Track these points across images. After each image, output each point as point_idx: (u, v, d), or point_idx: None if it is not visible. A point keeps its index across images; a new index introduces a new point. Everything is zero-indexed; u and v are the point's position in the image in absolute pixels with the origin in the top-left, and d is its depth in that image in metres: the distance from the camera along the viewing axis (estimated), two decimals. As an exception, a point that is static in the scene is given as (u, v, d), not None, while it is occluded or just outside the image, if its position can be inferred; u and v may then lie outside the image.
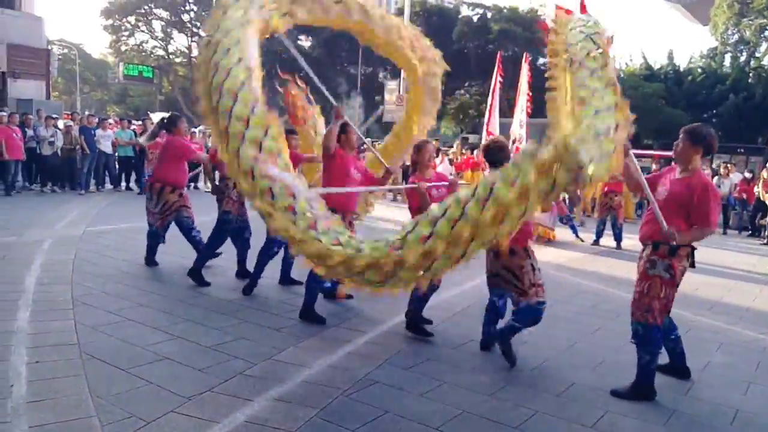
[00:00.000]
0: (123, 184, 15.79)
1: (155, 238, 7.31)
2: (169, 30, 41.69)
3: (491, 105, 13.12)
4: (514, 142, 14.01)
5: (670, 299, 4.30)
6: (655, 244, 4.27)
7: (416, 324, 5.44)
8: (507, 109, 18.48)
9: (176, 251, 7.61)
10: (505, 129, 13.49)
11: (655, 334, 4.27)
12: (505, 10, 35.95)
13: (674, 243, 4.13)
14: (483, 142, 14.27)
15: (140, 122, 17.60)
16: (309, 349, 4.91)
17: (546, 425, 3.86)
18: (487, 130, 13.85)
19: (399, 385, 4.29)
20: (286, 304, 6.06)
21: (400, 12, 32.50)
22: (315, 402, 3.91)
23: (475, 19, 36.73)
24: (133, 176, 16.08)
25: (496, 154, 4.92)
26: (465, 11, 38.46)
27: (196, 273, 6.59)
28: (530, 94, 12.38)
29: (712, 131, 4.34)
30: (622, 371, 4.77)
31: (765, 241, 13.45)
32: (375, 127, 38.04)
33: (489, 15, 36.39)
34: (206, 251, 6.79)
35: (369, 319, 5.81)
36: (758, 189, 14.47)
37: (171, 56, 42.99)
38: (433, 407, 3.98)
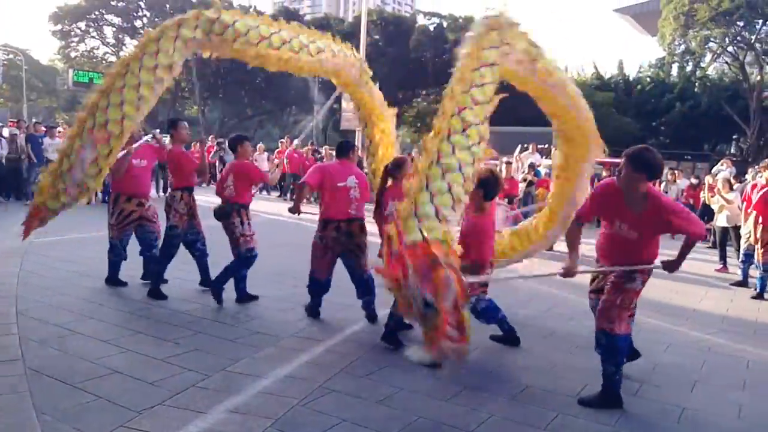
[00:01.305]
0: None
1: (117, 251, 6.82)
2: (121, 36, 40.85)
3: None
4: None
5: (635, 306, 4.42)
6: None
7: (393, 335, 5.38)
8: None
9: (126, 262, 7.41)
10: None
11: (619, 343, 4.27)
12: (460, 20, 36.42)
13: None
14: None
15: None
16: (265, 359, 4.86)
17: (501, 428, 3.90)
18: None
19: (356, 393, 4.28)
20: (242, 315, 6.00)
21: (357, 21, 32.64)
22: (270, 413, 3.87)
23: (431, 28, 37.13)
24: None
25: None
26: (421, 20, 38.86)
27: (155, 292, 6.41)
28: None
29: (657, 156, 4.16)
30: (574, 374, 4.86)
31: (710, 244, 13.83)
32: (335, 136, 38.05)
33: (445, 24, 36.79)
34: (157, 268, 6.59)
35: (327, 328, 5.78)
36: (704, 194, 14.90)
37: (123, 63, 42.31)
38: (391, 414, 3.98)
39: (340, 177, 5.78)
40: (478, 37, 4.26)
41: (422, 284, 3.43)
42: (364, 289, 5.81)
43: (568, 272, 4.48)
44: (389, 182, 5.60)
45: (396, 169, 5.59)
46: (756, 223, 8.26)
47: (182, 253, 6.78)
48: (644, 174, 4.09)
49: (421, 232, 3.57)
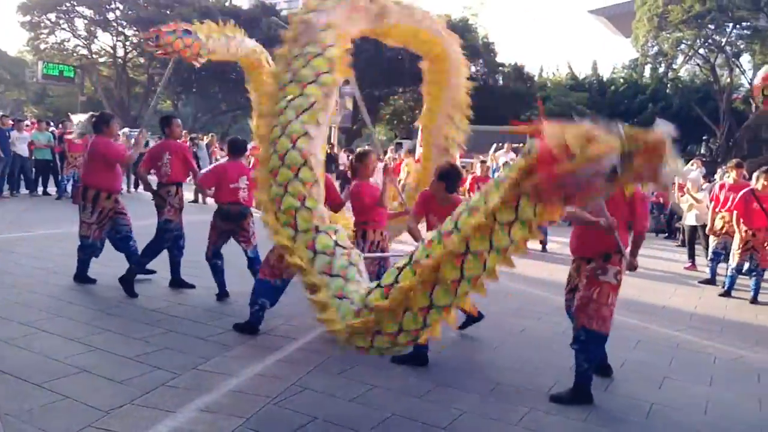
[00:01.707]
0: (40, 188, 15.09)
1: (89, 250, 6.65)
2: (92, 28, 40.12)
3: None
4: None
5: (614, 306, 4.38)
6: (606, 256, 4.36)
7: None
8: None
9: (97, 259, 7.29)
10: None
11: (594, 340, 4.31)
12: (437, 18, 36.40)
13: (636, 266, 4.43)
14: (418, 147, 14.42)
15: (60, 125, 16.74)
16: (237, 357, 4.82)
17: (473, 424, 3.92)
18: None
19: (329, 390, 4.27)
20: (213, 313, 5.94)
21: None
22: (242, 411, 3.84)
23: (407, 26, 37.05)
24: (51, 180, 15.42)
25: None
26: (398, 18, 38.76)
27: (128, 283, 6.31)
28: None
29: None
30: (545, 370, 4.91)
31: (680, 242, 14.05)
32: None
33: (421, 23, 36.75)
34: (143, 259, 6.50)
35: (299, 325, 5.75)
36: (674, 193, 15.14)
37: (94, 56, 41.40)
38: (363, 411, 3.98)
39: (232, 177, 6.09)
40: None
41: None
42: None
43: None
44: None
45: (359, 161, 5.59)
46: (738, 222, 8.37)
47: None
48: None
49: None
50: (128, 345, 4.89)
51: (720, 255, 9.10)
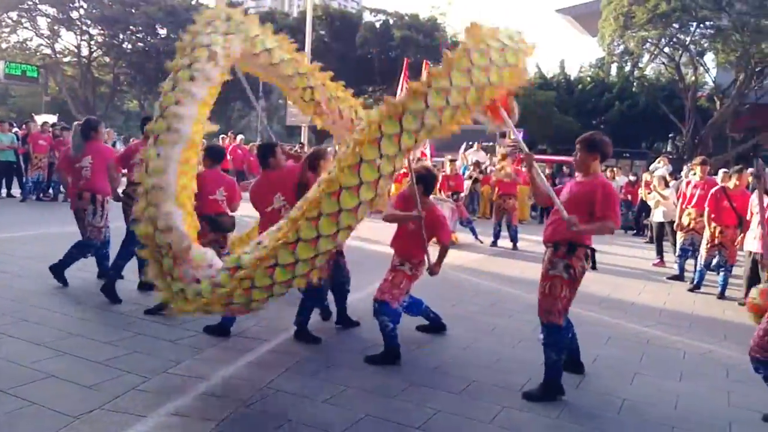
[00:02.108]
0: (3, 190, 14.74)
1: (87, 251, 6.65)
2: (56, 27, 39.36)
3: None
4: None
5: (569, 299, 4.38)
6: (556, 245, 4.37)
7: (304, 333, 5.41)
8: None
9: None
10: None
11: (556, 334, 4.35)
12: (406, 17, 36.53)
13: (575, 229, 4.14)
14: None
15: (23, 126, 16.34)
16: (208, 360, 4.76)
17: (447, 423, 3.92)
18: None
19: (302, 392, 4.24)
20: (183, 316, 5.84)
21: (302, 16, 32.38)
22: (213, 415, 3.79)
23: (377, 25, 37.11)
24: (15, 182, 15.08)
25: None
26: (367, 17, 38.79)
27: (110, 291, 6.19)
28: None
29: (605, 138, 4.49)
30: (518, 367, 4.94)
31: (648, 239, 14.27)
32: (278, 129, 37.65)
33: (391, 21, 36.83)
34: (120, 262, 6.37)
35: (271, 327, 5.70)
36: (642, 191, 15.38)
37: (58, 55, 40.63)
38: (337, 413, 3.96)
39: (210, 188, 5.76)
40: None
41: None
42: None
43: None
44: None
45: (315, 159, 5.44)
46: (709, 219, 8.51)
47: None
48: (597, 153, 4.42)
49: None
50: (97, 349, 4.80)
51: (688, 251, 9.26)
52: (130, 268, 6.67)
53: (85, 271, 6.84)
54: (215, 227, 5.93)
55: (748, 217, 8.05)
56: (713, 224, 8.40)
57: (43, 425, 3.52)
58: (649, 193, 11.33)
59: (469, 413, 4.08)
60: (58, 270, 6.60)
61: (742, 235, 8.02)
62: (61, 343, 4.87)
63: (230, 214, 6.02)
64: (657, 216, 10.99)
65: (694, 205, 8.97)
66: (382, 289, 5.03)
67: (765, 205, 4.96)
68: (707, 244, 8.51)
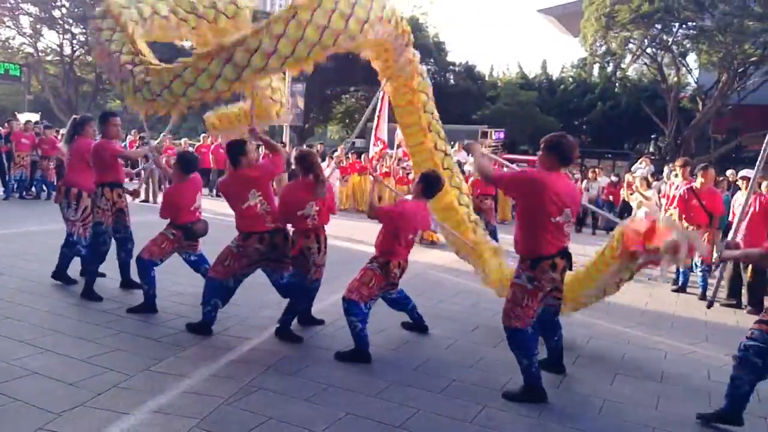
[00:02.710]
0: (-15, 188, 14.64)
1: (72, 247, 6.60)
2: (38, 26, 38.93)
3: (380, 110, 13.24)
4: (400, 146, 14.25)
5: (532, 307, 4.35)
6: (522, 258, 4.43)
7: (286, 331, 5.42)
8: (391, 114, 18.80)
9: (42, 259, 7.10)
10: (392, 133, 13.68)
11: (520, 337, 4.35)
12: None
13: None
14: (372, 147, 14.47)
15: (6, 124, 16.19)
16: (190, 358, 4.76)
17: (428, 422, 3.95)
18: (375, 135, 14.02)
19: (283, 390, 4.25)
20: (166, 313, 5.83)
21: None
22: (195, 412, 3.80)
23: (360, 24, 36.98)
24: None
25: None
26: (350, 16, 38.64)
27: (89, 292, 6.17)
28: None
29: (569, 140, 4.43)
30: (499, 367, 4.98)
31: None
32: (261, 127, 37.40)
33: (374, 20, 36.70)
34: (90, 266, 6.34)
35: (253, 325, 5.71)
36: (624, 192, 15.51)
37: (41, 54, 40.19)
38: (318, 411, 3.98)
39: (189, 200, 5.88)
40: None
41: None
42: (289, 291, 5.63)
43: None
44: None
45: (303, 161, 5.40)
46: (679, 219, 8.61)
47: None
48: (554, 154, 4.35)
49: None
50: (79, 347, 4.79)
51: None
52: (114, 267, 6.66)
53: (68, 270, 6.79)
54: (190, 236, 6.01)
55: (730, 218, 8.18)
56: (685, 224, 8.51)
57: (26, 422, 3.52)
58: (631, 194, 11.45)
59: (450, 412, 4.11)
60: (59, 275, 6.61)
61: (709, 232, 8.20)
62: (43, 341, 4.85)
63: (202, 218, 6.09)
64: (639, 216, 11.09)
65: (675, 207, 9.07)
66: (350, 287, 5.06)
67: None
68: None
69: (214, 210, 7.51)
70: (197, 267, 6.19)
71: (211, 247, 5.88)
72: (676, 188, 9.18)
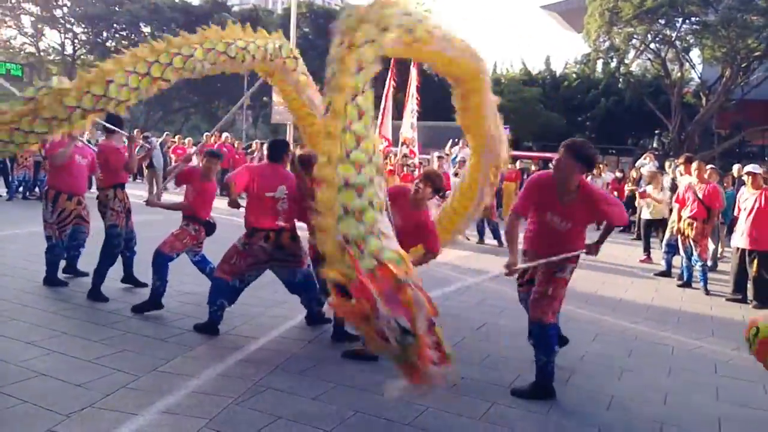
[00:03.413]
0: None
1: (53, 251, 6.56)
2: (40, 26, 39.00)
3: (384, 108, 13.23)
4: (404, 143, 14.25)
5: (563, 298, 4.49)
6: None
7: (314, 315, 5.62)
8: (395, 112, 18.78)
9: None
10: (396, 131, 13.69)
11: (550, 331, 4.38)
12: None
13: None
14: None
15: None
16: (197, 358, 4.76)
17: (437, 420, 3.94)
18: (380, 133, 14.01)
19: (292, 389, 4.25)
20: (172, 313, 5.83)
21: (286, 13, 32.26)
22: (204, 413, 3.80)
23: (362, 21, 36.99)
24: (2, 181, 14.95)
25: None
26: (352, 14, 38.64)
27: (96, 293, 6.16)
28: (419, 97, 12.60)
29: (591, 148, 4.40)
30: (507, 364, 4.97)
31: (635, 236, 14.36)
32: (263, 128, 37.52)
33: (375, 18, 36.73)
34: (102, 269, 6.26)
35: (260, 325, 5.71)
36: (629, 186, 15.50)
37: (42, 53, 40.28)
38: (327, 410, 3.97)
39: (268, 185, 5.41)
40: (349, 34, 3.99)
41: (393, 310, 3.29)
42: (302, 289, 5.64)
43: (511, 268, 4.45)
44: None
45: (308, 163, 5.32)
46: (679, 215, 8.65)
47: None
48: (581, 164, 4.29)
49: (375, 257, 3.47)
50: (86, 348, 4.79)
51: (674, 247, 9.33)
52: (117, 267, 6.66)
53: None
54: (210, 231, 6.11)
55: (735, 213, 8.19)
56: (685, 220, 8.56)
57: (35, 423, 3.52)
58: (644, 199, 11.30)
59: (458, 410, 4.10)
60: (50, 281, 6.58)
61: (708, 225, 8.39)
62: (50, 342, 4.85)
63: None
64: (644, 213, 11.08)
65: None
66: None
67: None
68: (677, 234, 8.72)
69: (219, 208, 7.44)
70: (203, 267, 6.20)
71: (218, 246, 5.84)
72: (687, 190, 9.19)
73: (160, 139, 19.12)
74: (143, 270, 6.63)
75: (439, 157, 14.65)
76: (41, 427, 3.48)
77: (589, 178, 16.51)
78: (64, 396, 3.91)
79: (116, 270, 6.68)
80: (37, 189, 14.77)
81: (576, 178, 4.31)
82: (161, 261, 5.79)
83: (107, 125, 6.25)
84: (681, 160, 9.75)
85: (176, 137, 21.58)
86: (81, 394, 3.95)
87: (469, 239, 12.02)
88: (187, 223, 5.99)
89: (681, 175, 9.63)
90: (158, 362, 4.58)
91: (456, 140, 18.26)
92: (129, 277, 6.69)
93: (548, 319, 4.37)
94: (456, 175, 16.82)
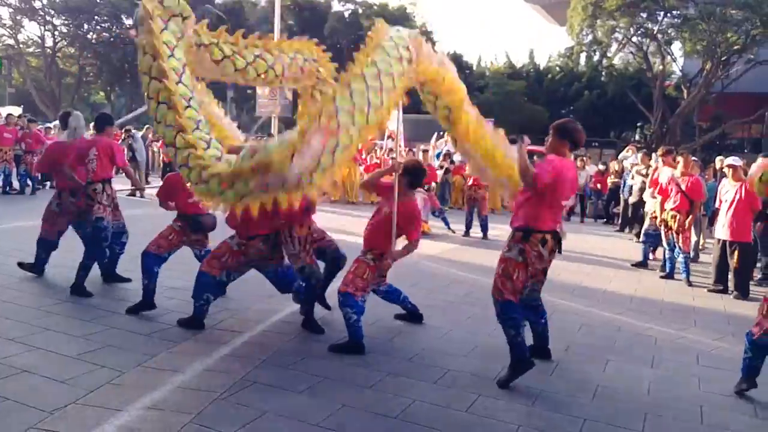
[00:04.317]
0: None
1: (46, 245, 6.65)
2: (18, 17, 38.41)
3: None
4: (389, 137, 14.22)
5: (521, 280, 4.50)
6: (514, 230, 4.55)
7: (310, 321, 5.48)
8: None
9: (28, 256, 7.00)
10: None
11: (509, 308, 4.44)
12: (375, 7, 36.39)
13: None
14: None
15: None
16: (182, 353, 4.72)
17: (424, 412, 3.95)
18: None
19: (278, 383, 4.23)
20: (157, 308, 5.78)
21: (271, 5, 32.04)
22: (190, 407, 3.77)
23: (346, 15, 36.91)
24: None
25: None
26: (336, 7, 38.53)
27: (80, 288, 6.09)
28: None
29: (578, 125, 4.66)
30: (493, 355, 4.98)
31: (618, 228, 14.48)
32: (246, 119, 37.29)
33: (360, 11, 36.66)
34: (86, 263, 6.20)
35: (246, 319, 5.68)
36: (611, 180, 15.63)
37: (22, 46, 39.67)
38: (313, 403, 3.96)
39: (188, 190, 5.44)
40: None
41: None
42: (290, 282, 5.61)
43: None
44: None
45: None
46: (662, 207, 8.74)
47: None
48: (567, 141, 4.55)
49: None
50: (69, 343, 4.74)
51: (652, 236, 9.42)
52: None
53: (53, 266, 6.72)
54: (197, 227, 5.89)
55: (717, 204, 8.28)
56: (668, 211, 8.65)
57: (18, 421, 3.47)
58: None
59: (445, 402, 4.11)
60: (33, 268, 6.63)
61: (691, 217, 8.47)
62: (32, 338, 4.80)
63: (210, 212, 5.85)
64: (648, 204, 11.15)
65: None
66: (345, 281, 5.08)
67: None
68: (660, 225, 8.82)
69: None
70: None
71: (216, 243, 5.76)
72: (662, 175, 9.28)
73: (142, 133, 18.91)
74: (125, 265, 6.61)
75: (425, 151, 14.67)
76: (24, 424, 3.43)
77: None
78: (47, 393, 3.86)
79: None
80: (17, 183, 14.60)
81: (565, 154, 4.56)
82: (149, 261, 5.68)
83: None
84: (660, 152, 9.86)
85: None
86: (64, 390, 3.91)
87: (454, 232, 12.06)
88: (173, 220, 5.93)
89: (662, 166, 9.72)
90: (143, 358, 4.54)
91: (441, 133, 18.28)
92: (112, 275, 6.61)
93: (501, 297, 4.45)
94: (441, 167, 16.92)
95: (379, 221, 5.25)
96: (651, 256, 9.77)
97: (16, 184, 14.58)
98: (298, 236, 5.35)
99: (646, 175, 10.91)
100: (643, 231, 9.81)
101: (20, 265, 6.67)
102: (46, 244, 6.63)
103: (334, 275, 5.78)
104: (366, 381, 4.38)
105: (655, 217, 9.20)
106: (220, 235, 5.56)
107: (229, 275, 5.38)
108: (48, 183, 15.52)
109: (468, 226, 12.06)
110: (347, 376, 4.45)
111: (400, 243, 5.24)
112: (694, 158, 9.63)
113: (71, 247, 6.69)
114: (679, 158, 8.81)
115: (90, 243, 6.33)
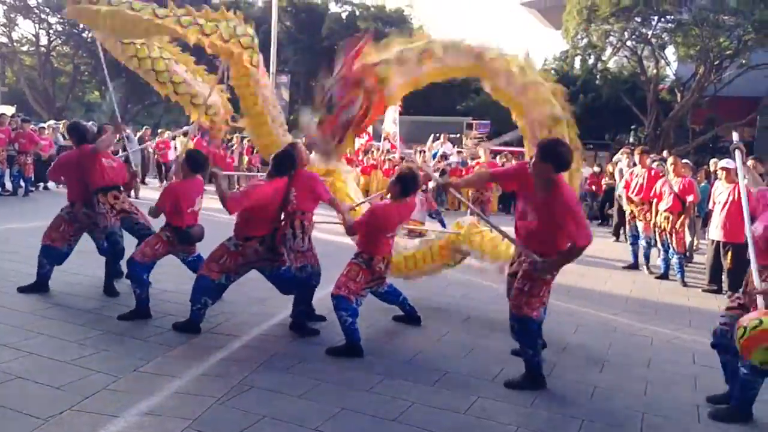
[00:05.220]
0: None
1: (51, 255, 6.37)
2: (12, 15, 38.11)
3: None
4: (386, 138, 14.22)
5: (546, 295, 4.50)
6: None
7: (301, 324, 5.44)
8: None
9: (21, 258, 6.94)
10: (378, 126, 13.64)
11: (530, 326, 4.39)
12: (372, 9, 36.39)
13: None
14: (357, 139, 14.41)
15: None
16: (179, 357, 4.69)
17: (423, 415, 3.93)
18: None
19: (276, 388, 4.21)
20: (152, 312, 5.72)
21: (268, 6, 32.01)
22: (187, 413, 3.74)
23: (343, 16, 36.87)
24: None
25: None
26: (333, 8, 38.48)
27: (109, 288, 6.21)
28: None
29: (566, 146, 4.39)
30: (491, 357, 4.98)
31: (613, 229, 14.47)
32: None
33: (357, 13, 36.65)
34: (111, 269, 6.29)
35: (243, 322, 5.65)
36: (606, 181, 15.67)
37: (16, 44, 39.41)
38: (312, 407, 3.94)
39: (190, 200, 5.64)
40: None
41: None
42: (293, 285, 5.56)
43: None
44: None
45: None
46: (656, 208, 8.81)
47: (90, 249, 6.47)
48: (551, 164, 4.24)
49: None
50: (64, 349, 4.69)
51: (638, 237, 9.51)
52: (88, 265, 6.55)
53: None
54: (185, 240, 5.74)
55: (710, 206, 8.35)
56: (662, 213, 8.71)
57: (12, 428, 3.44)
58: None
59: (443, 404, 4.10)
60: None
61: (683, 217, 8.58)
62: (26, 344, 4.74)
63: (199, 222, 5.83)
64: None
65: (634, 192, 9.39)
66: (338, 284, 5.06)
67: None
68: (652, 227, 8.93)
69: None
70: (195, 268, 5.85)
71: (208, 246, 5.72)
72: (636, 176, 9.43)
73: (139, 134, 18.84)
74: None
75: (422, 152, 14.66)
76: None
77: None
78: (42, 399, 3.82)
79: (95, 270, 6.60)
80: (9, 184, 14.50)
81: (547, 177, 4.27)
82: (133, 269, 5.55)
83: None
84: (638, 151, 10.04)
85: (159, 131, 21.26)
86: (59, 396, 3.87)
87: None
88: (161, 229, 5.77)
89: (635, 165, 9.90)
90: (139, 363, 4.50)
91: (437, 135, 18.30)
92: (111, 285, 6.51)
93: (525, 312, 4.36)
94: (437, 169, 16.91)
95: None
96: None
97: (9, 186, 14.47)
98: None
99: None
100: (629, 232, 9.95)
101: (20, 289, 6.16)
102: (52, 253, 6.21)
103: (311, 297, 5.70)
104: (364, 384, 4.36)
105: (633, 218, 9.35)
106: (207, 246, 5.54)
107: (228, 278, 5.34)
108: (42, 184, 15.45)
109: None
110: (345, 379, 4.43)
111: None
112: (685, 160, 9.70)
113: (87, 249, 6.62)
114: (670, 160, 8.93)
115: (105, 251, 6.33)
